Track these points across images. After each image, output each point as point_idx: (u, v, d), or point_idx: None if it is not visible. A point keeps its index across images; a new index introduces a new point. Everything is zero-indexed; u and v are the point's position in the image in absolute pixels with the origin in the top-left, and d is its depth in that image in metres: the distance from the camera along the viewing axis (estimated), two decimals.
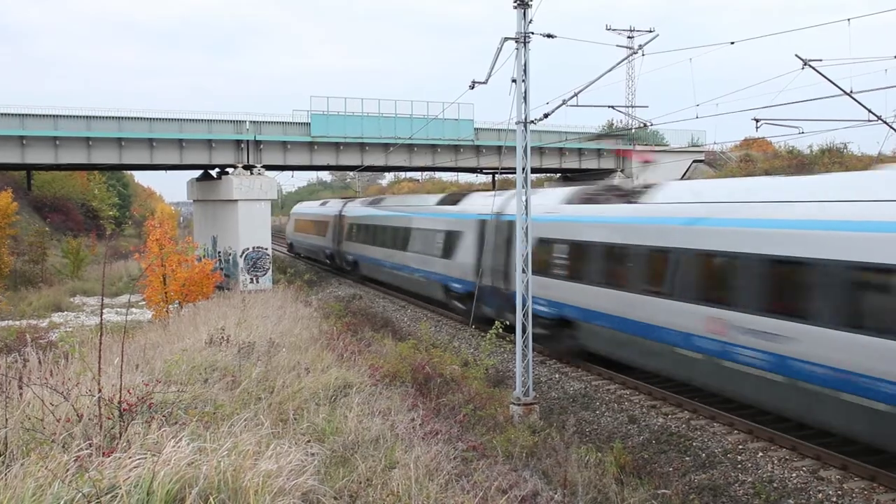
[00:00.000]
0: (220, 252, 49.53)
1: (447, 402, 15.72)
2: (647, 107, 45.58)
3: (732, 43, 19.43)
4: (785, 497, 13.29)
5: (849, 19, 19.50)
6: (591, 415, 18.46)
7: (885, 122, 27.48)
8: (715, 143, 58.37)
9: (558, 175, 58.03)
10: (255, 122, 47.82)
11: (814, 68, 25.01)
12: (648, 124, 33.07)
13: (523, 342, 17.70)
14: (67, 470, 7.92)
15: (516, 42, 17.26)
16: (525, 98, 17.48)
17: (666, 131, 57.83)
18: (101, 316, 12.55)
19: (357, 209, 49.71)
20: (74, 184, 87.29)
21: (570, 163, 54.82)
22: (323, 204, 64.22)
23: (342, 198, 67.76)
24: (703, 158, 56.98)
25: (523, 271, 17.89)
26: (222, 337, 17.83)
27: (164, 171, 54.27)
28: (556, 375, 22.06)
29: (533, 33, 17.29)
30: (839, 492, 13.45)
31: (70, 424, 9.58)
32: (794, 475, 14.23)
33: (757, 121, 26.30)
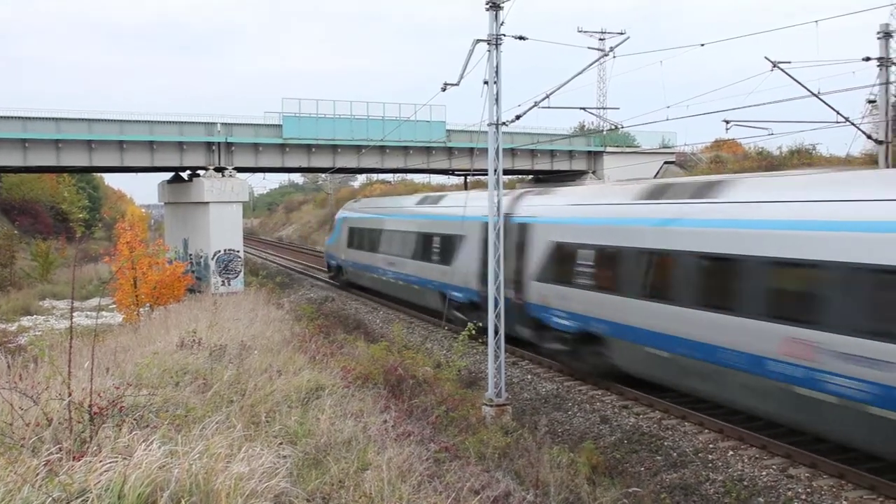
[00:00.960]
0: (191, 255, 49.26)
1: (420, 404, 15.73)
2: (618, 108, 46.16)
3: (702, 45, 19.56)
4: (755, 495, 13.40)
5: (817, 21, 19.70)
6: (563, 415, 18.53)
7: (853, 124, 27.87)
8: (686, 144, 58.91)
9: (530, 177, 58.19)
10: (226, 124, 47.58)
11: (783, 70, 25.32)
12: (619, 126, 33.29)
13: (495, 344, 17.74)
14: (37, 474, 7.87)
15: (488, 44, 17.32)
16: (497, 100, 17.54)
17: (637, 133, 58.18)
18: (70, 319, 12.46)
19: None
20: (44, 186, 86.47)
21: (542, 164, 54.98)
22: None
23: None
24: (673, 160, 57.35)
25: (496, 272, 17.90)
26: (193, 340, 17.75)
27: (134, 174, 53.88)
28: (529, 376, 22.13)
29: (505, 35, 17.36)
30: (808, 489, 13.57)
31: (40, 429, 9.51)
32: (764, 473, 14.35)
33: (727, 122, 26.58)
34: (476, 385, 20.44)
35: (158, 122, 46.37)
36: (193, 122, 47.12)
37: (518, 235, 23.33)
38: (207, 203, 46.02)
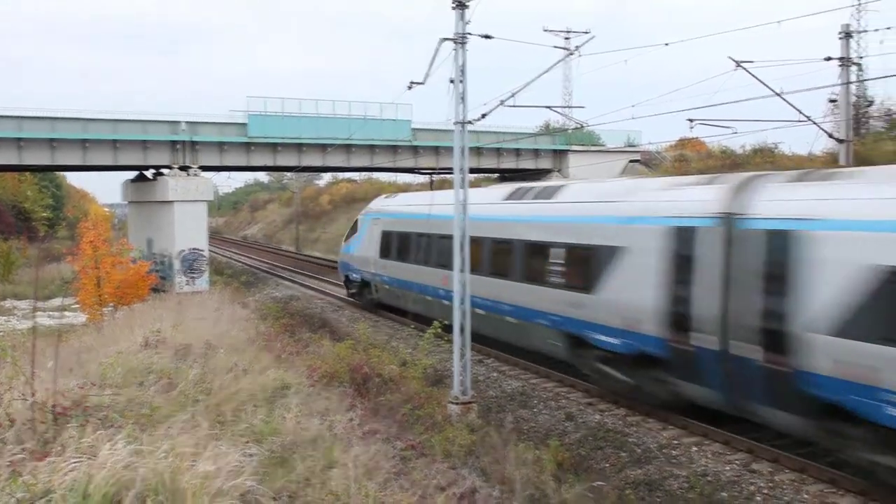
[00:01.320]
0: (155, 254, 48.93)
1: (386, 402, 15.79)
2: (583, 107, 46.37)
3: (667, 44, 19.74)
4: (718, 490, 13.55)
5: (779, 21, 19.92)
6: (528, 413, 18.61)
7: (815, 123, 28.27)
8: (650, 143, 59.21)
9: (496, 175, 58.36)
10: (191, 122, 47.33)
11: (746, 69, 25.65)
12: (584, 125, 33.49)
13: (461, 341, 17.78)
14: (0, 475, 7.82)
15: (454, 43, 17.36)
16: (463, 98, 17.58)
17: (602, 132, 58.43)
18: (33, 319, 12.38)
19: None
20: (5, 185, 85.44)
21: (508, 163, 55.18)
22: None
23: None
24: (638, 158, 57.71)
25: (461, 266, 17.91)
26: (158, 339, 17.67)
27: (98, 173, 53.48)
28: (494, 374, 22.21)
29: (470, 34, 17.40)
30: (770, 483, 13.76)
31: (2, 430, 9.46)
32: (727, 468, 14.53)
33: (691, 121, 26.88)
34: (442, 383, 20.48)
35: (122, 120, 46.10)
36: (157, 121, 46.87)
37: (775, 251, 14.20)
38: (172, 202, 45.76)
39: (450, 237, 18.74)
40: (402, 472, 10.51)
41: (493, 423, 16.69)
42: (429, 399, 17.26)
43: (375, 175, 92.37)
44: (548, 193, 22.63)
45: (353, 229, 36.26)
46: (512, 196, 24.21)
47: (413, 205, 31.72)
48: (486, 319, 23.21)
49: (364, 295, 34.93)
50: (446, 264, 22.60)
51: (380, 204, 34.93)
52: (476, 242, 20.91)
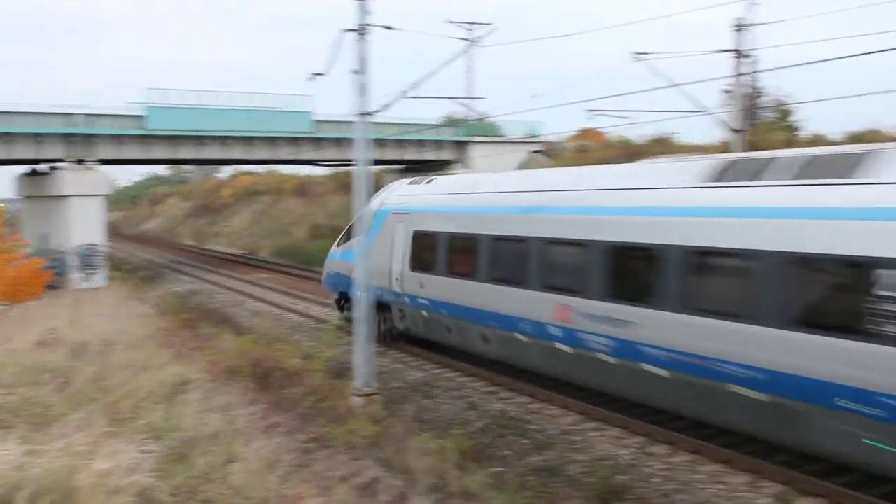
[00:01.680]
0: (51, 250, 47.68)
1: (289, 396, 15.73)
2: (485, 98, 46.75)
3: (566, 36, 20.11)
4: (618, 473, 13.88)
5: (672, 15, 20.47)
6: (431, 403, 18.73)
7: (710, 113, 29.14)
8: (552, 133, 59.82)
9: (403, 166, 58.44)
10: (87, 115, 46.25)
11: (643, 61, 26.35)
12: (485, 116, 33.79)
13: (364, 334, 17.80)
14: None
15: (356, 33, 17.35)
16: (365, 90, 17.58)
17: (505, 123, 58.90)
18: None
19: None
20: None
21: (411, 154, 55.33)
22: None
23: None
24: (541, 149, 58.38)
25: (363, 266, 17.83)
26: (53, 337, 17.29)
27: None
28: (397, 365, 22.28)
29: (370, 25, 17.41)
30: (668, 465, 14.18)
31: None
32: (625, 452, 14.91)
33: (591, 111, 27.50)
34: (345, 375, 20.45)
35: (13, 112, 44.68)
36: (51, 114, 45.63)
37: None
38: (67, 196, 44.70)
39: (588, 244, 15.59)
40: (304, 465, 10.52)
41: (396, 414, 16.77)
42: (332, 391, 17.24)
43: (277, 167, 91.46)
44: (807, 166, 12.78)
45: (352, 231, 23.41)
46: (726, 173, 14.03)
47: (483, 192, 20.91)
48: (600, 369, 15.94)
49: (384, 320, 23.93)
50: (568, 287, 16.38)
51: (403, 192, 24.12)
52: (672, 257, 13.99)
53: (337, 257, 26.97)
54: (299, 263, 51.17)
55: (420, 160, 55.79)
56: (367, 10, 17.24)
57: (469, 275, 19.83)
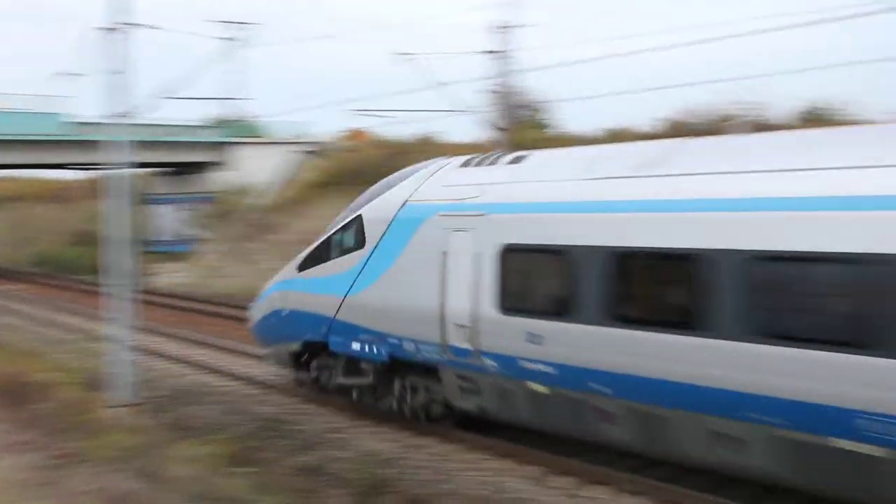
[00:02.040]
0: None
1: (41, 411, 15.00)
2: (253, 99, 46.11)
3: (334, 37, 20.29)
4: (381, 466, 14.14)
5: (435, 18, 21.15)
6: (198, 409, 18.38)
7: (474, 112, 30.16)
8: (323, 133, 59.84)
9: (173, 169, 56.76)
10: None
11: (406, 61, 27.06)
12: (251, 117, 33.55)
13: (124, 344, 17.29)
14: None
15: (115, 32, 16.84)
16: (124, 90, 17.12)
17: (274, 123, 58.21)
18: None
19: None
20: None
21: (174, 156, 53.76)
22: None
23: None
24: (311, 150, 58.22)
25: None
26: None
27: None
28: (160, 375, 21.69)
29: (131, 23, 16.96)
30: (435, 455, 14.83)
31: None
32: (385, 447, 15.41)
33: (357, 111, 28.03)
34: (105, 387, 19.71)
35: None
36: None
37: None
38: None
39: None
40: (52, 481, 10.07)
41: (159, 424, 16.33)
42: (88, 404, 16.58)
43: (38, 173, 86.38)
44: None
45: (329, 245, 16.80)
46: None
47: (686, 173, 11.34)
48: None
49: (405, 398, 15.84)
50: None
51: (457, 181, 14.85)
52: None
53: (297, 287, 17.57)
54: (56, 272, 48.94)
55: (183, 162, 54.57)
56: (127, 7, 16.82)
57: (684, 324, 10.83)
